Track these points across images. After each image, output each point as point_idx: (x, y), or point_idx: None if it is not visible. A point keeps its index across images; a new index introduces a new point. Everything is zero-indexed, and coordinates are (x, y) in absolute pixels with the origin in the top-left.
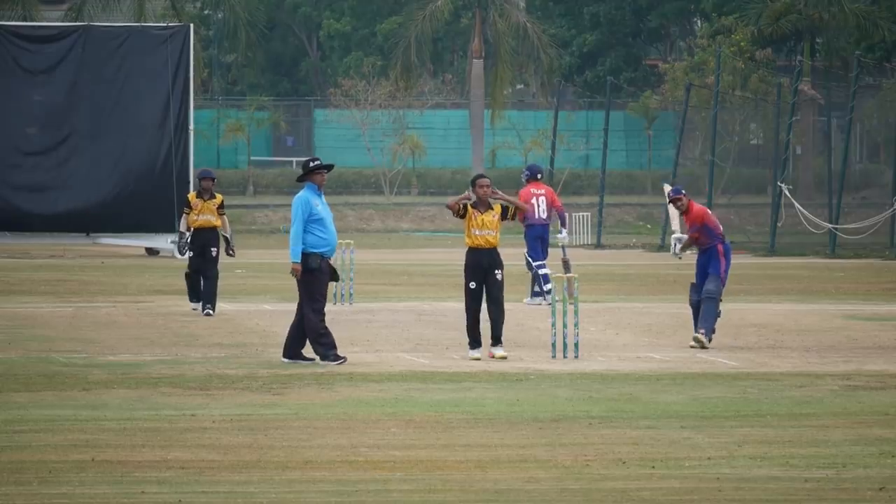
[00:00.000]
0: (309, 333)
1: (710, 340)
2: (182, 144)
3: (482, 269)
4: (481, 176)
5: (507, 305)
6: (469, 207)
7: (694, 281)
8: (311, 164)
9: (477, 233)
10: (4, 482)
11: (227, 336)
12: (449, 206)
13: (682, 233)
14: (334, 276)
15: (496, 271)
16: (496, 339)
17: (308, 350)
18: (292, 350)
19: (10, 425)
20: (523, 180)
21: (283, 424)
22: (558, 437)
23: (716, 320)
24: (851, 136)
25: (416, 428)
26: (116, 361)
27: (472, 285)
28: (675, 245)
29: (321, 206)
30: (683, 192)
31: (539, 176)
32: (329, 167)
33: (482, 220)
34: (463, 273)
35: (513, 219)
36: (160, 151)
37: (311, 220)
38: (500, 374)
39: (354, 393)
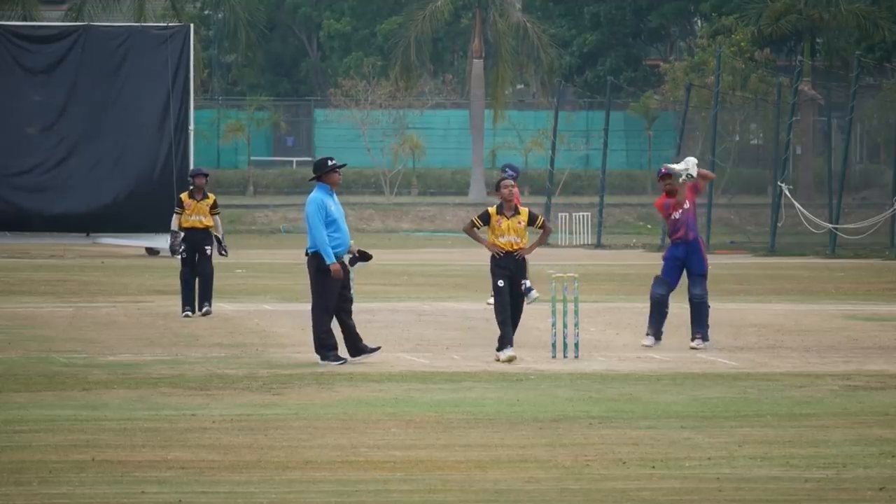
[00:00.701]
0: (314, 331)
1: (706, 341)
2: (182, 144)
3: (509, 271)
4: (513, 177)
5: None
6: (493, 213)
7: (661, 274)
8: (330, 164)
9: (502, 239)
10: (4, 482)
11: (227, 336)
12: (466, 231)
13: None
14: (366, 256)
15: (523, 281)
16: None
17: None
18: (354, 349)
19: (10, 425)
20: (507, 175)
21: (283, 424)
22: (558, 437)
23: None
24: (851, 136)
25: (416, 428)
26: (116, 361)
27: (501, 283)
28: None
29: (334, 206)
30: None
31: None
32: (342, 165)
33: (507, 225)
34: (490, 272)
35: (539, 227)
36: (160, 151)
37: (325, 222)
38: (500, 374)
39: (354, 393)
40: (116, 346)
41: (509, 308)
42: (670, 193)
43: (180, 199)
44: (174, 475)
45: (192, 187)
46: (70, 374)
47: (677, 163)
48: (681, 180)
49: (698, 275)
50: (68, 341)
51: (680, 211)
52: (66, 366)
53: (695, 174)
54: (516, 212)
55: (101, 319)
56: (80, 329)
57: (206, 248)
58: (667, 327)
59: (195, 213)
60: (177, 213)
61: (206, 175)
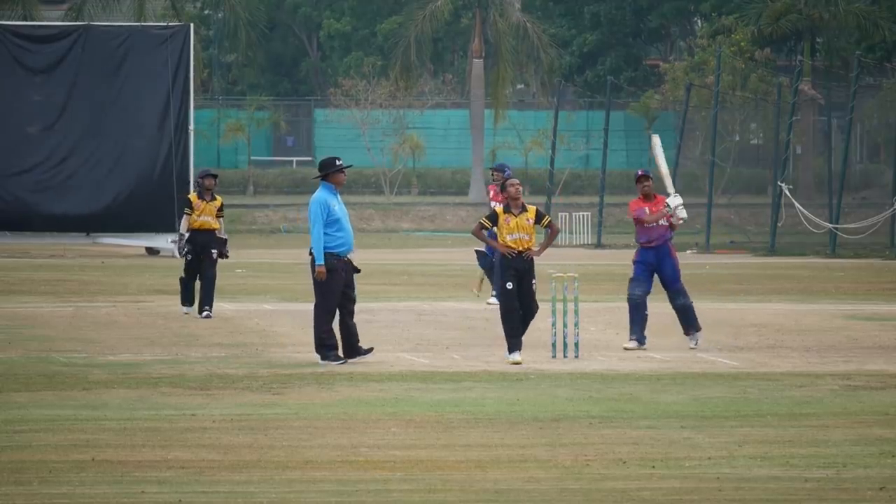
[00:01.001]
0: (315, 331)
1: (699, 331)
2: (182, 144)
3: (518, 272)
4: (510, 177)
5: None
6: (500, 212)
7: (633, 277)
8: (337, 164)
9: (510, 237)
10: (4, 482)
11: (227, 336)
12: (475, 233)
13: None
14: (353, 269)
15: (532, 281)
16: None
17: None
18: (350, 349)
19: (10, 425)
20: (505, 175)
21: (283, 424)
22: (558, 437)
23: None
24: (851, 136)
25: (417, 428)
26: (116, 361)
27: (510, 286)
28: (677, 208)
29: (338, 205)
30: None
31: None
32: (349, 166)
33: (516, 223)
34: (500, 272)
35: (545, 227)
36: (160, 151)
37: (328, 222)
38: (500, 374)
39: (355, 393)
40: (116, 346)
41: (517, 313)
42: (647, 197)
43: (189, 200)
44: (174, 475)
45: (199, 188)
46: (70, 374)
47: (673, 195)
48: (664, 209)
49: (673, 280)
50: (68, 341)
51: (655, 224)
52: (66, 366)
53: (671, 206)
54: (524, 209)
55: (101, 319)
56: (80, 329)
57: (213, 250)
58: (665, 327)
59: (204, 214)
60: (186, 213)
61: (215, 176)
